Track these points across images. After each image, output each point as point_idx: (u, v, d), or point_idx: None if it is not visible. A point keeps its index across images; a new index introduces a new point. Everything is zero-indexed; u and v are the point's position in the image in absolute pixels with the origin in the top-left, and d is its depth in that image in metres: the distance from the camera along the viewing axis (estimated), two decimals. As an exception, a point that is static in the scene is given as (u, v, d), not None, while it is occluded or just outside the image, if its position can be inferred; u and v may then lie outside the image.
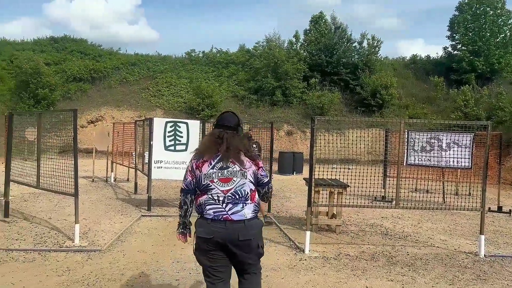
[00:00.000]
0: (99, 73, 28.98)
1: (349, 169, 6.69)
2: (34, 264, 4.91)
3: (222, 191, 2.82)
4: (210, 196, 2.84)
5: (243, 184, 2.85)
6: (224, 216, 2.79)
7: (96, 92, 28.50)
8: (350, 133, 9.57)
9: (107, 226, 7.04)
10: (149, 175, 8.45)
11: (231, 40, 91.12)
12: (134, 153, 11.14)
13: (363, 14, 65.66)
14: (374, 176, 7.37)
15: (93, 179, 12.48)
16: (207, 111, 26.16)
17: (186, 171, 2.96)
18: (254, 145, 6.55)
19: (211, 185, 2.84)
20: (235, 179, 2.85)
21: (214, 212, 2.81)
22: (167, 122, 8.60)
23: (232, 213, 2.79)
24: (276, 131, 25.91)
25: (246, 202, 2.83)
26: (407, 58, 34.28)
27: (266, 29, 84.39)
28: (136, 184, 10.95)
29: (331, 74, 29.28)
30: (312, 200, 6.05)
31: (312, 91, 28.13)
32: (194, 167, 2.90)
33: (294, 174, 16.96)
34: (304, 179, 7.96)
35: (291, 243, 6.31)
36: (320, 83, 28.67)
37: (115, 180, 12.82)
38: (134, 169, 11.01)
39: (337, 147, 8.41)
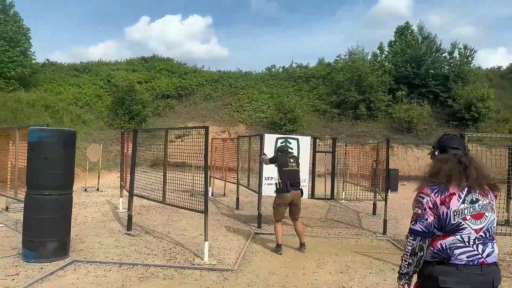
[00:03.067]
0: (185, 90, 30.23)
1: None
2: (175, 282, 4.89)
3: (475, 230, 2.34)
4: (459, 237, 2.33)
5: (494, 220, 2.39)
6: (480, 261, 2.30)
7: (183, 108, 29.71)
8: None
9: (225, 243, 6.97)
10: (259, 192, 8.33)
11: (309, 55, 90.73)
12: (237, 169, 11.17)
13: (437, 23, 62.12)
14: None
15: (192, 193, 12.75)
16: (289, 126, 26.01)
17: (422, 210, 2.39)
18: (292, 159, 6.84)
19: (462, 224, 2.33)
20: (487, 214, 2.37)
21: (467, 257, 2.30)
22: (277, 138, 8.47)
23: (487, 256, 2.31)
24: (361, 146, 25.14)
25: (493, 240, 2.39)
26: (504, 68, 31.59)
27: (343, 42, 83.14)
28: (238, 199, 10.95)
29: (419, 86, 27.80)
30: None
31: (398, 104, 26.87)
32: (439, 203, 2.36)
33: (389, 192, 16.03)
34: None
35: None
36: (407, 96, 27.33)
37: (212, 194, 12.98)
38: (236, 185, 11.01)
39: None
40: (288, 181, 6.40)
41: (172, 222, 8.61)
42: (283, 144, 8.36)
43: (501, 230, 7.15)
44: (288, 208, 6.66)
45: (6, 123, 16.08)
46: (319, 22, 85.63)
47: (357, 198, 11.69)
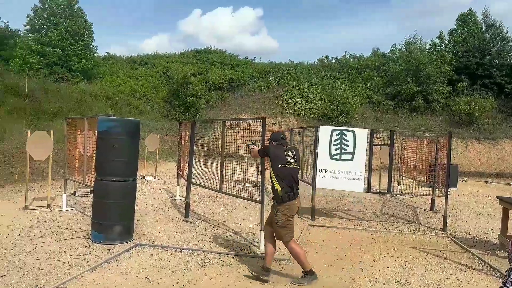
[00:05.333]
0: (236, 82, 30.58)
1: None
2: (233, 269, 5.03)
3: None
4: None
5: None
6: None
7: (234, 99, 30.11)
8: (506, 144, 8.08)
9: (279, 233, 7.03)
10: (313, 184, 8.31)
11: (363, 45, 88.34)
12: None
13: (502, 10, 57.73)
14: None
15: (244, 183, 12.95)
16: (341, 118, 25.57)
17: None
18: (290, 153, 4.68)
19: None
20: None
21: None
22: (333, 130, 8.36)
23: None
24: (418, 140, 24.20)
25: None
26: None
27: (398, 32, 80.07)
28: (290, 191, 10.98)
29: (482, 77, 26.26)
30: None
31: (459, 96, 25.56)
32: None
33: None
34: (501, 198, 6.92)
35: (495, 271, 5.46)
36: (468, 88, 25.90)
37: (264, 185, 13.08)
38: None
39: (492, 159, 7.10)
40: (293, 183, 4.62)
41: (227, 211, 8.81)
42: (339, 136, 8.26)
43: None
44: (268, 217, 4.98)
45: (72, 113, 17.12)
46: (373, 11, 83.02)
47: (413, 193, 11.31)
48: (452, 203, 10.99)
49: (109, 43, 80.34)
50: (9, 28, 30.53)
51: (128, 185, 5.85)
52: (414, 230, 7.80)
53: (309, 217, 8.35)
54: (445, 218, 7.87)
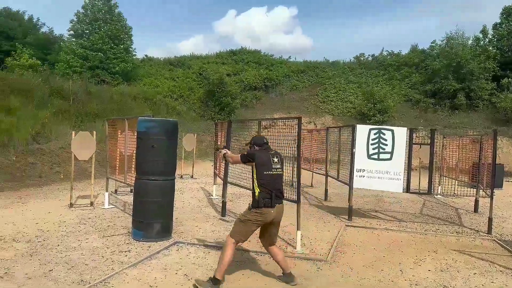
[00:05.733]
0: (271, 81, 30.60)
1: None
2: (270, 268, 5.03)
3: None
4: None
5: None
6: None
7: (269, 99, 30.13)
8: None
9: (316, 233, 6.98)
10: (350, 184, 8.18)
11: (401, 42, 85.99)
12: (325, 160, 11.09)
13: None
14: None
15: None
16: (379, 117, 25.06)
17: None
18: (276, 159, 4.45)
19: None
20: None
21: None
22: (370, 129, 8.20)
23: None
24: (460, 138, 23.31)
25: None
26: None
27: (438, 27, 77.44)
28: (326, 191, 10.88)
29: (530, 73, 24.92)
30: None
31: (504, 92, 24.39)
32: None
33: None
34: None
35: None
36: (515, 84, 24.67)
37: (300, 185, 13.02)
38: (325, 176, 10.94)
39: None
40: (273, 191, 4.32)
41: (262, 211, 8.82)
42: (377, 135, 8.09)
43: None
44: (260, 229, 4.57)
45: (112, 114, 17.71)
46: (411, 6, 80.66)
47: (455, 193, 10.92)
48: (497, 204, 10.49)
49: (147, 45, 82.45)
50: (54, 34, 32.03)
51: (167, 184, 5.99)
52: (456, 232, 7.53)
53: (346, 217, 8.23)
54: (490, 220, 7.54)
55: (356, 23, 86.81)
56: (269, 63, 32.74)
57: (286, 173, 10.62)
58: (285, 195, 6.34)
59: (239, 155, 4.66)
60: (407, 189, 8.14)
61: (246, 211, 4.41)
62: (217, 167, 9.94)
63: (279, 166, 4.45)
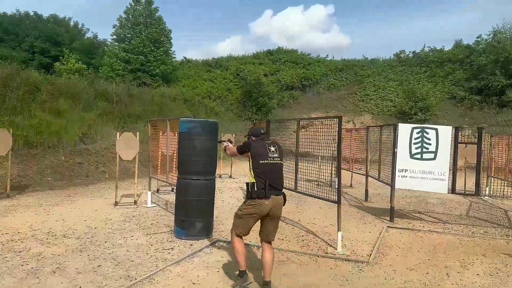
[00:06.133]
0: (308, 81, 30.42)
1: None
2: (310, 268, 5.01)
3: None
4: None
5: None
6: None
7: (306, 98, 29.96)
8: None
9: (357, 234, 6.88)
10: (392, 184, 7.98)
11: (443, 37, 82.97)
12: (366, 160, 10.89)
13: None
14: None
15: (318, 183, 12.85)
16: (420, 115, 24.32)
17: None
18: (273, 148, 4.28)
19: None
20: None
21: None
22: (413, 128, 7.97)
23: None
24: (509, 137, 22.18)
25: None
26: None
27: (483, 21, 74.08)
28: (366, 191, 10.69)
29: None
30: None
31: (557, 88, 23.00)
32: None
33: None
34: None
35: None
36: None
37: (339, 185, 12.86)
38: (365, 176, 10.74)
39: None
40: (267, 180, 4.11)
41: (301, 210, 8.80)
42: (420, 134, 7.86)
43: None
44: (260, 222, 4.30)
45: (153, 115, 18.22)
46: (452, 1, 77.59)
47: (504, 195, 10.41)
48: None
49: (185, 47, 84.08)
50: (98, 39, 33.32)
51: (208, 183, 6.09)
52: (506, 235, 7.18)
53: (388, 218, 8.05)
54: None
55: (395, 19, 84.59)
56: (306, 62, 32.54)
57: (325, 173, 10.55)
58: (325, 195, 6.32)
59: (236, 146, 4.60)
60: (453, 190, 7.85)
61: (242, 204, 4.31)
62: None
63: (276, 155, 4.25)
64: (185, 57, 35.14)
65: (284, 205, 4.28)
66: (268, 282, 4.14)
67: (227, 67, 32.61)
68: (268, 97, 27.09)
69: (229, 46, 72.54)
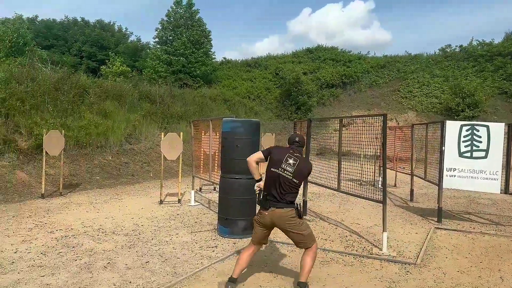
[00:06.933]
0: (349, 78, 29.91)
1: None
2: (355, 269, 4.93)
3: None
4: None
5: None
6: None
7: (347, 96, 29.47)
8: None
9: (402, 235, 6.68)
10: (439, 184, 7.69)
11: (492, 30, 78.83)
12: (411, 159, 10.57)
13: None
14: None
15: (360, 182, 12.60)
16: (468, 112, 23.31)
17: None
18: (291, 161, 3.98)
19: None
20: None
21: None
22: (462, 126, 7.64)
23: None
24: None
25: None
26: None
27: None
28: (412, 191, 10.37)
29: None
30: None
31: None
32: None
33: None
34: None
35: None
36: None
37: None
38: (410, 176, 10.43)
39: None
40: (270, 191, 3.97)
41: (344, 210, 8.67)
42: (469, 132, 7.52)
43: None
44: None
45: (195, 115, 18.57)
46: (504, -10, 73.60)
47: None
48: None
49: (224, 48, 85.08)
50: (141, 42, 34.38)
51: (250, 182, 6.11)
52: None
53: (435, 219, 7.77)
54: None
55: (438, 13, 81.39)
56: (346, 60, 32.03)
57: (368, 172, 10.29)
58: (369, 195, 6.18)
59: (260, 151, 4.35)
60: (506, 190, 7.46)
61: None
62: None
63: (290, 169, 3.93)
64: (224, 58, 35.63)
65: (296, 218, 3.93)
66: (301, 283, 4.02)
67: (266, 67, 32.69)
68: (308, 95, 26.89)
69: (267, 46, 72.82)
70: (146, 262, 4.97)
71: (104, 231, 6.40)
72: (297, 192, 4.04)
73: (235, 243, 5.87)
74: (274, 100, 28.44)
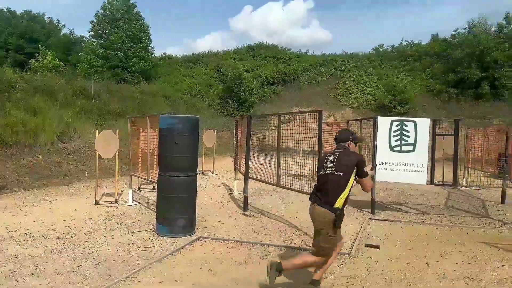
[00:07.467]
0: (289, 76, 30.48)
1: None
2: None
3: None
4: None
5: None
6: None
7: (287, 93, 30.02)
8: None
9: (339, 227, 6.93)
10: (373, 177, 8.07)
11: (421, 31, 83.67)
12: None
13: None
14: None
15: (300, 177, 12.91)
16: (400, 108, 24.68)
17: None
18: (331, 157, 3.98)
19: None
20: None
21: None
22: (392, 121, 8.09)
23: None
24: (485, 129, 22.73)
25: None
26: None
27: (459, 16, 75.41)
28: (348, 184, 10.78)
29: (558, 59, 24.08)
30: None
31: (530, 80, 23.65)
32: None
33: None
34: None
35: None
36: (542, 71, 23.88)
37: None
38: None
39: None
40: (317, 189, 4.03)
41: (284, 205, 8.84)
42: (399, 127, 7.97)
43: None
44: None
45: (133, 112, 17.97)
46: (431, -5, 78.82)
47: (480, 185, 10.67)
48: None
49: (164, 44, 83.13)
50: (75, 35, 32.62)
51: (189, 179, 6.05)
52: (483, 224, 7.37)
53: (369, 211, 8.16)
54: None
55: (374, 14, 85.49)
56: (286, 58, 32.60)
57: (308, 168, 10.48)
58: (307, 189, 6.34)
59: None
60: (431, 181, 8.01)
61: None
62: (238, 163, 9.98)
63: (331, 165, 3.92)
64: (164, 53, 34.80)
65: (332, 224, 3.85)
66: (313, 281, 4.07)
67: (207, 63, 32.42)
68: (249, 92, 27.06)
69: (209, 43, 72.19)
70: (78, 266, 4.72)
71: (31, 236, 5.99)
72: (344, 192, 3.84)
73: (174, 242, 5.75)
74: (216, 97, 28.31)
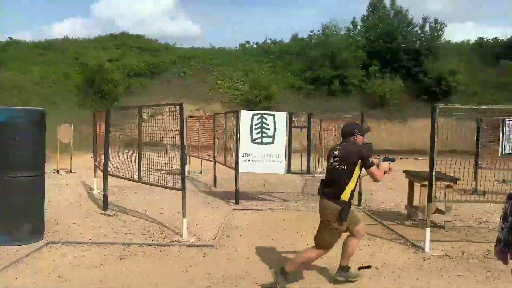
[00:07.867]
0: (157, 68, 29.57)
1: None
2: (154, 259, 4.90)
3: None
4: None
5: None
6: None
7: (156, 86, 29.10)
8: (414, 123, 8.84)
9: (204, 220, 6.98)
10: (236, 168, 8.34)
11: (284, 30, 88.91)
12: (213, 147, 11.12)
13: None
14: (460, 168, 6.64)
15: (168, 172, 12.66)
16: (265, 103, 25.96)
17: None
18: (336, 151, 4.10)
19: None
20: None
21: None
22: (253, 115, 8.45)
23: None
24: (335, 121, 25.40)
25: None
26: (472, 41, 32.25)
27: (318, 17, 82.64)
28: (215, 177, 10.95)
29: (392, 61, 28.13)
30: (432, 196, 5.61)
31: (371, 79, 27.18)
32: None
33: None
34: (407, 172, 7.52)
35: (403, 240, 5.93)
36: (380, 71, 27.61)
37: (189, 173, 12.90)
38: (213, 162, 10.99)
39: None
40: (323, 184, 4.20)
41: (148, 202, 8.55)
42: (259, 120, 8.35)
43: (470, 198, 7.49)
44: None
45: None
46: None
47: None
48: (367, 179, 11.70)
49: (12, 27, 72.91)
50: None
51: (34, 180, 5.38)
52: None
53: (234, 201, 8.41)
54: (360, 193, 8.36)
55: (242, 10, 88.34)
56: (153, 49, 31.53)
57: (175, 162, 10.32)
58: (173, 184, 6.21)
59: None
60: (289, 170, 8.60)
61: None
62: (97, 159, 9.31)
63: (336, 159, 4.03)
64: (10, 37, 30.56)
65: (337, 217, 3.91)
66: (342, 267, 4.29)
67: (63, 51, 29.46)
68: (114, 84, 25.46)
69: (67, 28, 65.50)
70: None
71: None
72: (349, 185, 3.96)
73: (17, 251, 5.06)
74: (75, 88, 25.92)
